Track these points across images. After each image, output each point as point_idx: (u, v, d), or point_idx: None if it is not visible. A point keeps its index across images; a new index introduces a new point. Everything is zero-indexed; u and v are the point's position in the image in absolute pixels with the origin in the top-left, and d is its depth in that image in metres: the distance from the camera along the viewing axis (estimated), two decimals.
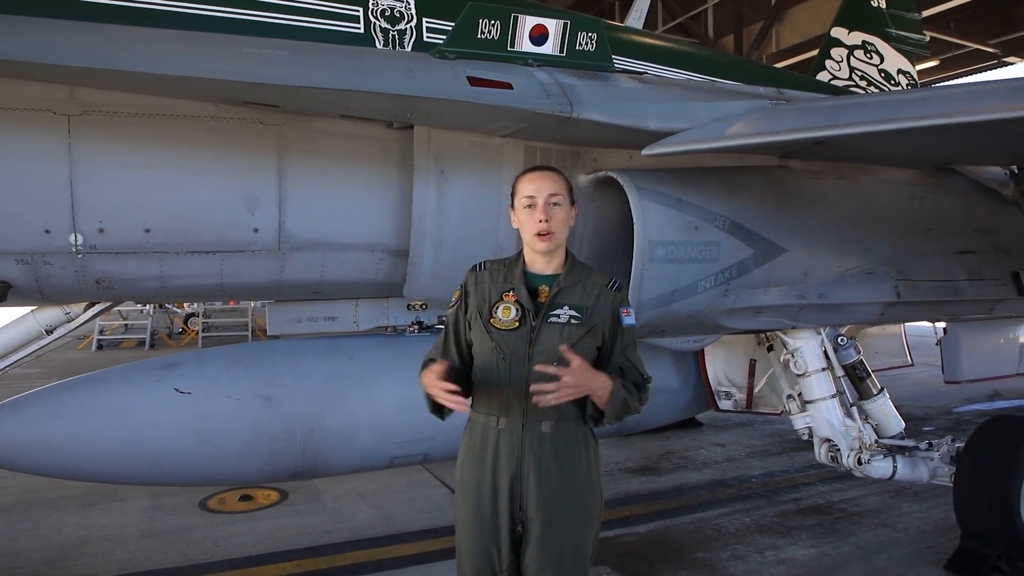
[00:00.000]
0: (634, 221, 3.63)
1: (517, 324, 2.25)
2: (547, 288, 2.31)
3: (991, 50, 16.76)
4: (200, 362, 3.87)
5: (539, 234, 2.26)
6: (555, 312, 2.27)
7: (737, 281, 4.00)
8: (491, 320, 2.27)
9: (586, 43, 3.59)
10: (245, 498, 5.45)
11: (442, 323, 4.42)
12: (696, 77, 4.57)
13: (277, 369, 3.88)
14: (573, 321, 2.26)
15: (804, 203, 4.29)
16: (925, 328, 7.62)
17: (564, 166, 3.95)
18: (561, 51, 3.55)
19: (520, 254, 2.39)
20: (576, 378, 2.08)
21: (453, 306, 2.41)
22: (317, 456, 3.87)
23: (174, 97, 3.21)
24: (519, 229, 2.35)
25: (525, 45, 3.46)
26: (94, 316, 3.86)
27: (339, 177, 3.69)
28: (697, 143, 3.33)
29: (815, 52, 10.09)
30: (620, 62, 4.13)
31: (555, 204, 2.28)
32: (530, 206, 2.28)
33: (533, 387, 2.11)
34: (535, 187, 2.29)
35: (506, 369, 2.25)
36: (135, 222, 3.33)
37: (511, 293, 2.31)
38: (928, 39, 10.15)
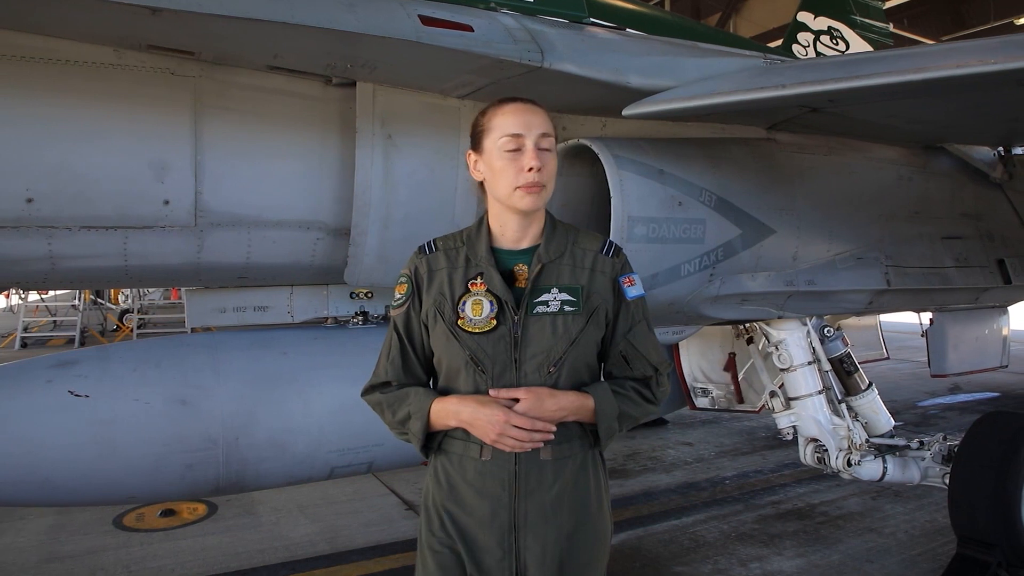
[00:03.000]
0: (611, 194, 3.18)
1: (494, 322, 1.71)
2: (525, 267, 1.76)
3: None
4: (102, 359, 3.27)
5: (528, 186, 1.68)
6: (541, 299, 1.73)
7: (723, 264, 3.58)
8: (459, 321, 1.72)
9: None
10: (167, 513, 4.83)
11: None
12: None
13: (195, 367, 3.31)
14: (567, 308, 1.73)
15: (792, 179, 3.90)
16: (888, 322, 7.40)
17: None
18: None
19: (482, 224, 1.81)
20: (527, 419, 1.65)
21: (401, 305, 1.82)
22: (244, 467, 3.31)
23: (55, 33, 2.62)
24: (487, 183, 1.77)
25: None
26: None
27: (268, 142, 3.14)
28: (690, 100, 2.88)
29: (773, 44, 9.86)
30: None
31: (546, 149, 1.72)
32: (516, 149, 1.69)
33: (492, 438, 1.67)
34: (522, 122, 1.70)
35: (487, 384, 1.71)
36: (13, 190, 2.74)
37: (479, 280, 1.75)
38: (891, 27, 10.03)
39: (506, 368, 1.70)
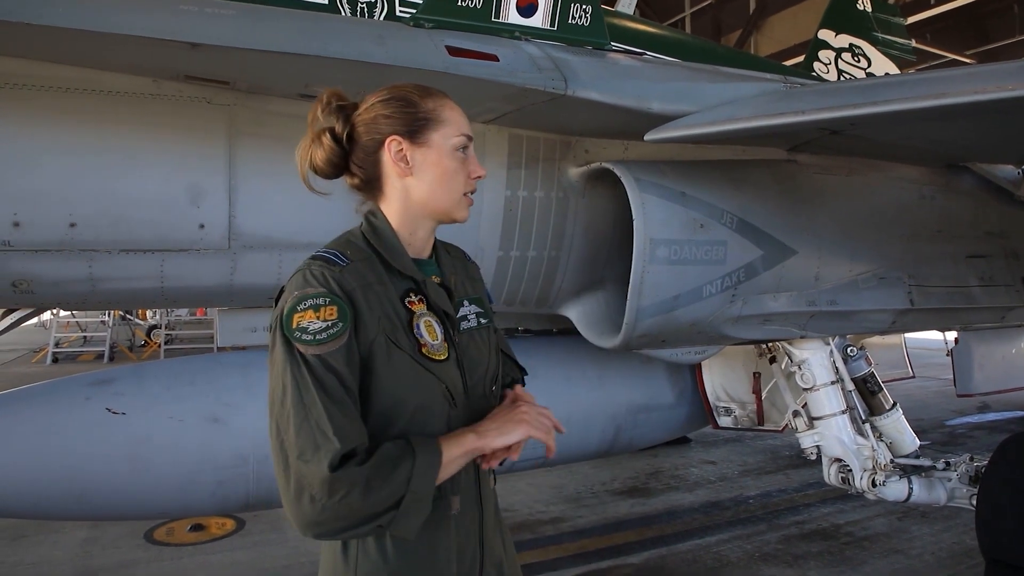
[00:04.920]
0: (634, 217, 3.23)
1: (447, 346, 1.44)
2: (439, 279, 1.53)
3: (967, 60, 16.79)
4: (138, 378, 3.38)
5: (470, 194, 1.52)
6: (461, 314, 1.53)
7: (745, 285, 3.61)
8: (423, 349, 1.40)
9: (580, 16, 3.20)
10: (196, 528, 4.93)
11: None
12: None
13: (227, 385, 3.41)
14: (482, 320, 1.57)
15: (814, 200, 3.93)
16: (913, 339, 7.34)
17: (553, 158, 3.55)
18: (552, 24, 3.14)
19: (382, 226, 1.47)
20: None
21: (338, 336, 1.31)
22: (273, 484, 3.32)
23: (98, 66, 2.74)
24: (414, 181, 1.46)
25: (512, 16, 3.05)
26: (13, 324, 3.36)
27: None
28: (710, 126, 2.94)
29: (794, 60, 9.90)
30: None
31: None
32: (465, 149, 1.50)
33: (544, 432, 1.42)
34: (469, 125, 1.53)
35: (457, 418, 1.44)
36: (58, 215, 2.85)
37: (414, 298, 1.44)
38: (913, 43, 10.00)
39: (463, 398, 1.47)
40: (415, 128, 1.45)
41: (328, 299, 1.32)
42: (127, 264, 3.05)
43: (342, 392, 1.29)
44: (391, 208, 1.48)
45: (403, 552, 1.36)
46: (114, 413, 3.18)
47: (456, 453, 1.35)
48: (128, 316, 18.62)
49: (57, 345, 15.67)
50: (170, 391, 3.31)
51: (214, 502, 3.31)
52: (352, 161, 1.48)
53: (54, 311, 16.67)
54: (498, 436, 1.38)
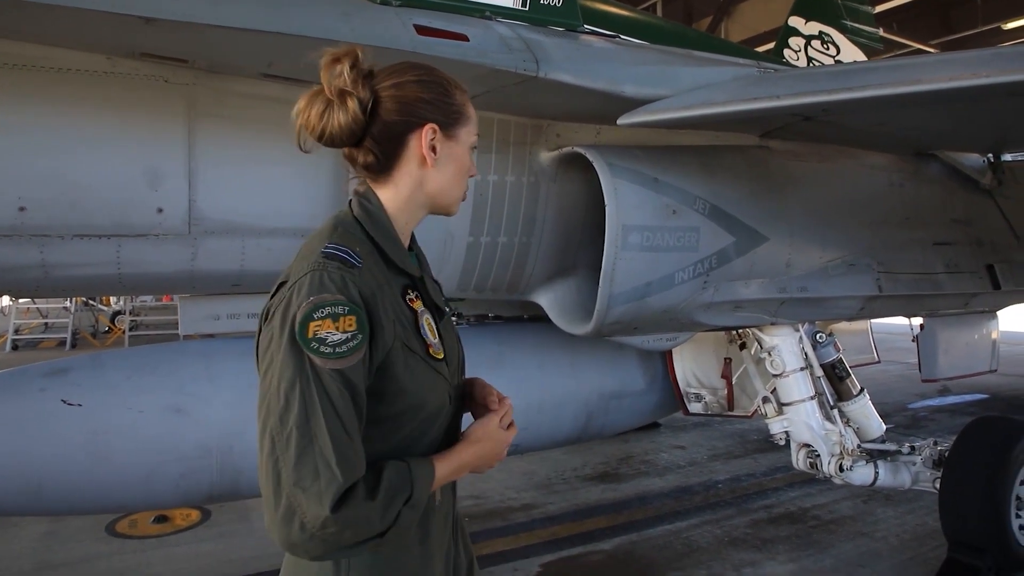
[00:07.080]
0: (606, 203, 3.19)
1: (441, 343, 1.41)
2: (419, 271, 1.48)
3: (931, 50, 17.02)
4: (96, 367, 3.27)
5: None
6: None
7: (716, 272, 3.60)
8: (430, 350, 1.33)
9: None
10: (160, 519, 4.81)
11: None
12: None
13: (190, 375, 3.31)
14: (446, 309, 1.53)
15: (785, 187, 3.93)
16: (878, 323, 7.44)
17: (524, 141, 3.49)
18: (524, 5, 3.08)
19: (381, 216, 1.37)
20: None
21: (355, 351, 1.19)
22: (238, 476, 3.32)
23: (47, 41, 2.61)
24: (431, 174, 1.38)
25: None
26: None
27: (262, 150, 3.13)
28: (685, 110, 2.90)
29: (764, 47, 9.93)
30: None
31: None
32: (475, 149, 1.47)
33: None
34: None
35: (448, 415, 1.41)
36: (6, 198, 2.72)
37: (414, 294, 1.37)
38: (881, 32, 10.08)
39: (456, 392, 1.46)
40: (450, 120, 1.38)
41: (347, 308, 1.20)
42: (82, 250, 2.93)
43: (352, 414, 1.19)
44: (394, 194, 1.38)
45: (375, 557, 1.30)
46: (70, 404, 3.07)
47: (446, 473, 1.33)
48: (91, 302, 18.18)
49: (17, 332, 15.22)
50: (130, 381, 3.21)
51: (177, 494, 3.23)
52: (369, 135, 1.34)
53: (12, 297, 16.21)
54: (482, 464, 1.40)
